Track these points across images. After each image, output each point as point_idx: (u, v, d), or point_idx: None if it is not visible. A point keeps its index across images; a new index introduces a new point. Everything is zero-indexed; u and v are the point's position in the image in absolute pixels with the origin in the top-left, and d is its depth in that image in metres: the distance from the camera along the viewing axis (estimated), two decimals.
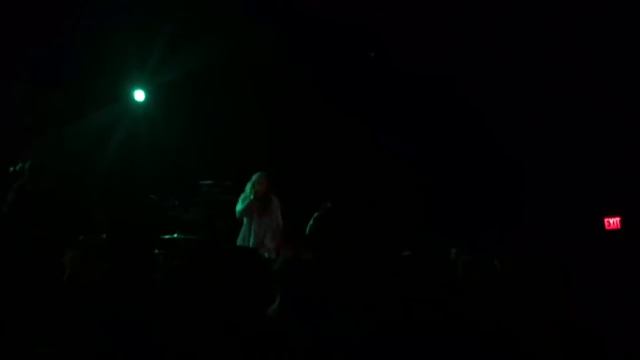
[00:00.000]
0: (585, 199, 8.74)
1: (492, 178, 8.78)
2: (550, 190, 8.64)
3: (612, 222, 9.10)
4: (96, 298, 2.85)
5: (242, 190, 6.43)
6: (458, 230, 7.57)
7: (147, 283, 2.98)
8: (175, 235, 7.06)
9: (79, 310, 2.74)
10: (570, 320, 2.56)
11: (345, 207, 7.18)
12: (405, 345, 2.34)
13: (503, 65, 8.49)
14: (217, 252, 2.82)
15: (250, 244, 6.28)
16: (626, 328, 2.78)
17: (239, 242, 6.39)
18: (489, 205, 8.67)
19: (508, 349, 2.41)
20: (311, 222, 7.20)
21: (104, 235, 4.55)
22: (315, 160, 8.89)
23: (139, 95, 8.82)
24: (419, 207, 8.55)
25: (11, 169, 6.36)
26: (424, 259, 3.01)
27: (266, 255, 6.04)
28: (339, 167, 8.90)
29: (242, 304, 2.52)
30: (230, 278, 2.61)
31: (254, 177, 6.34)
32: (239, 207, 6.41)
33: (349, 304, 2.79)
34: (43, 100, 8.24)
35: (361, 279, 3.33)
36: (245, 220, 6.45)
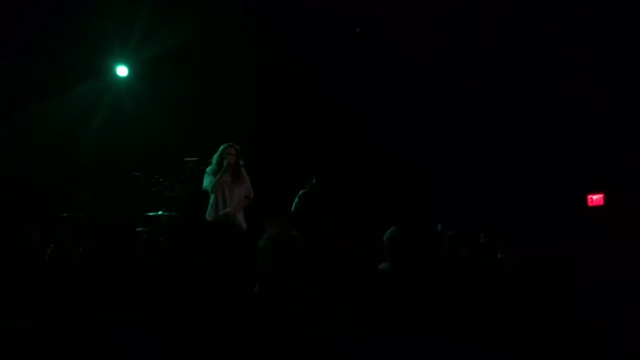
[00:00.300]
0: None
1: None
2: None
3: (595, 198, 9.19)
4: (79, 274, 2.82)
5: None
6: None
7: (130, 260, 2.95)
8: (160, 212, 7.03)
9: (61, 287, 2.71)
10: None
11: (330, 185, 7.18)
12: (395, 323, 2.34)
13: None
14: (201, 227, 2.77)
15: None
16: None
17: (208, 216, 6.12)
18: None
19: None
20: (296, 199, 7.21)
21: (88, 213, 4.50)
22: (301, 137, 8.82)
23: (122, 70, 8.68)
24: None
25: None
26: (411, 231, 2.98)
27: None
28: (326, 145, 8.84)
29: (229, 281, 2.49)
30: (215, 254, 2.57)
31: (221, 148, 6.07)
32: (209, 180, 6.10)
33: (334, 281, 2.78)
34: (26, 75, 8.08)
35: (348, 256, 3.32)
36: (213, 194, 6.15)
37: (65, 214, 5.98)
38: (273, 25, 8.33)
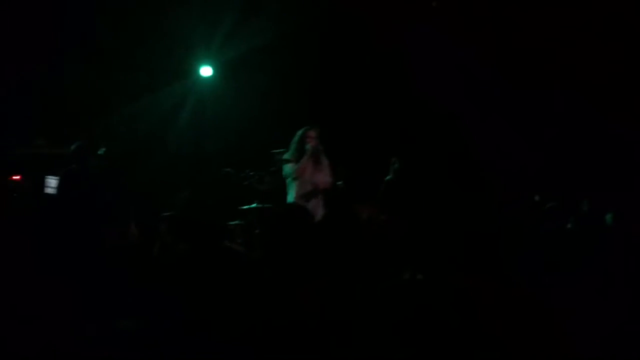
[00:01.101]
0: None
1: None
2: None
3: None
4: (182, 270, 2.94)
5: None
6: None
7: (228, 253, 3.06)
8: (254, 205, 7.22)
9: (164, 283, 2.85)
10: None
11: (414, 169, 7.00)
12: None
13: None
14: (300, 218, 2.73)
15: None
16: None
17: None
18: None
19: None
20: (382, 187, 7.14)
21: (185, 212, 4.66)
22: (386, 123, 8.74)
23: (206, 71, 8.97)
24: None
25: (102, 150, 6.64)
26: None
27: None
28: (409, 130, 8.70)
29: (327, 272, 2.50)
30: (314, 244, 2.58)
31: (300, 132, 5.76)
32: (289, 167, 5.73)
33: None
34: (118, 79, 8.56)
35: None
36: (292, 182, 5.77)
37: (166, 213, 6.27)
38: (352, 15, 8.28)
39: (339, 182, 7.48)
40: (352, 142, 7.98)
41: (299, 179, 5.70)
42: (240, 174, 7.51)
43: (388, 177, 7.20)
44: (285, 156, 5.85)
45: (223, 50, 8.72)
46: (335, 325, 2.12)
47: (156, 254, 5.41)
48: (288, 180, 5.80)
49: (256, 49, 8.41)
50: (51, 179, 6.34)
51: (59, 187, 5.54)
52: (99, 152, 6.58)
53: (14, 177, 6.66)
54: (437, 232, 2.71)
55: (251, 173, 7.46)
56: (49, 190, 6.32)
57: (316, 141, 5.72)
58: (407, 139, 8.43)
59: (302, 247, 2.34)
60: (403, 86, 8.73)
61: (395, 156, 7.25)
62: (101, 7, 7.44)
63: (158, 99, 8.77)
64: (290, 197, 5.77)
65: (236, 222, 7.31)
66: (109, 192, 5.40)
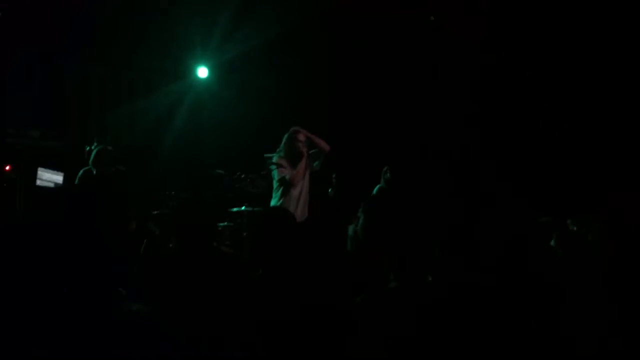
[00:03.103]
0: None
1: None
2: None
3: None
4: (170, 267, 2.97)
5: None
6: None
7: (217, 254, 3.09)
8: (244, 207, 7.25)
9: (154, 277, 2.88)
10: None
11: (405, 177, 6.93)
12: None
13: None
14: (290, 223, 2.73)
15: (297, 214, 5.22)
16: None
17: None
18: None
19: None
20: (374, 192, 7.05)
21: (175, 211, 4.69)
22: (382, 129, 8.72)
23: (202, 72, 9.01)
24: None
25: (87, 148, 6.69)
26: None
27: None
28: (406, 138, 8.67)
29: (317, 278, 2.52)
30: (305, 250, 2.60)
31: (287, 135, 5.53)
32: (280, 173, 5.43)
33: None
34: (115, 79, 8.60)
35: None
36: (281, 188, 5.51)
37: (155, 212, 6.29)
38: (353, 16, 8.26)
39: (329, 190, 7.52)
40: (345, 147, 7.95)
41: (291, 186, 5.49)
42: (232, 176, 7.54)
43: (379, 185, 7.16)
44: (274, 160, 5.64)
45: (220, 51, 8.74)
46: (322, 329, 2.16)
47: (142, 252, 5.43)
48: (276, 185, 5.63)
49: (253, 50, 8.41)
50: (43, 171, 6.35)
51: (78, 184, 5.62)
52: (92, 147, 6.62)
53: (5, 168, 6.66)
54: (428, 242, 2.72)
55: (242, 175, 7.49)
56: (39, 183, 6.32)
57: (305, 145, 5.54)
58: (403, 146, 8.39)
59: (288, 251, 2.37)
60: (401, 90, 8.70)
61: (388, 164, 7.22)
62: (99, 5, 7.45)
63: (154, 100, 8.80)
64: (276, 201, 5.57)
65: (225, 223, 7.34)
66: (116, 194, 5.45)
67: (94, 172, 5.53)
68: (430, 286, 2.38)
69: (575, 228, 5.03)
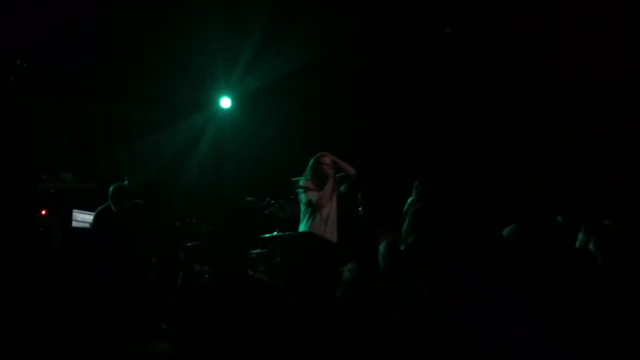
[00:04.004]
0: None
1: None
2: None
3: None
4: (207, 298, 3.00)
5: None
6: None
7: (252, 283, 3.11)
8: (275, 233, 7.29)
9: (191, 309, 2.91)
10: None
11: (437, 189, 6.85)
12: None
13: None
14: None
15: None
16: None
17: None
18: None
19: None
20: (405, 207, 6.96)
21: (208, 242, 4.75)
22: (406, 152, 8.69)
23: (225, 102, 9.14)
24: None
25: (125, 182, 6.81)
26: None
27: None
28: (431, 154, 8.60)
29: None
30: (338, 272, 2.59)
31: (313, 160, 5.62)
32: (307, 196, 5.50)
33: None
34: (139, 113, 8.78)
35: None
36: (309, 211, 5.57)
37: (189, 244, 6.37)
38: (369, 44, 8.33)
39: (359, 209, 7.52)
40: (371, 167, 7.93)
41: (318, 209, 5.53)
42: (261, 203, 7.60)
43: (412, 199, 7.04)
44: (300, 184, 5.69)
45: (242, 81, 8.87)
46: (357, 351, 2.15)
47: (179, 284, 5.50)
48: (303, 209, 5.67)
49: (275, 80, 8.51)
50: (78, 212, 6.49)
51: (94, 223, 5.70)
52: (123, 184, 6.74)
53: (41, 212, 6.81)
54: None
55: (272, 201, 7.55)
56: (75, 224, 6.45)
57: (331, 168, 5.61)
58: (432, 160, 8.32)
59: (322, 276, 2.37)
60: (421, 106, 8.68)
61: (419, 178, 7.14)
62: (117, 38, 7.61)
63: (178, 131, 8.95)
64: (305, 225, 5.62)
65: (258, 250, 7.38)
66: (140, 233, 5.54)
67: (113, 209, 5.59)
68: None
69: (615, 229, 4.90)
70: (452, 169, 8.11)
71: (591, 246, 3.35)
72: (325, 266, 2.42)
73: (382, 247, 3.83)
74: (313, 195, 5.53)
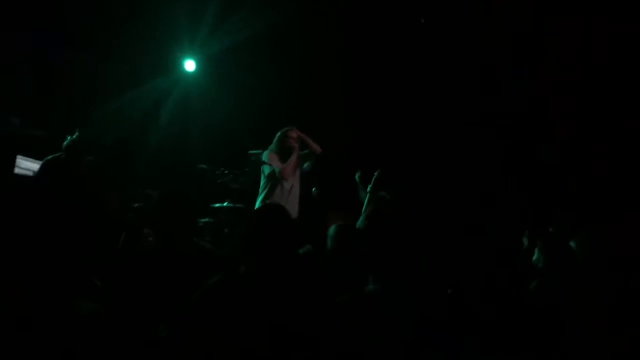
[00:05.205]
0: None
1: None
2: None
3: None
4: (148, 261, 2.92)
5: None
6: None
7: (197, 250, 3.04)
8: (225, 203, 7.20)
9: (131, 272, 2.83)
10: None
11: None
12: None
13: None
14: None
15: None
16: None
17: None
18: None
19: None
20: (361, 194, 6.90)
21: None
22: (369, 129, 8.61)
23: (190, 65, 8.91)
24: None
25: (69, 137, 6.59)
26: None
27: None
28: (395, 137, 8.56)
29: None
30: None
31: (280, 133, 5.64)
32: (270, 169, 5.52)
33: None
34: (101, 70, 8.48)
35: None
36: (269, 183, 5.60)
37: (137, 205, 6.22)
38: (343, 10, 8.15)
39: (314, 189, 7.48)
40: (330, 146, 7.88)
41: (280, 181, 5.54)
42: (215, 172, 7.50)
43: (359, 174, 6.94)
44: (264, 157, 5.68)
45: (208, 43, 8.64)
46: (304, 328, 2.12)
47: (121, 245, 5.37)
48: (264, 181, 5.67)
49: (242, 43, 8.28)
50: (22, 159, 6.24)
51: (41, 171, 5.47)
52: (73, 137, 6.51)
53: None
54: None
55: (226, 171, 7.46)
56: (18, 171, 6.21)
57: (297, 143, 5.62)
58: (392, 146, 8.27)
59: (281, 248, 2.31)
60: (388, 87, 8.60)
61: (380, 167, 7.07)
62: None
63: (140, 93, 8.69)
64: (265, 196, 5.59)
65: (206, 219, 7.29)
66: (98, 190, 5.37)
67: (64, 159, 5.38)
68: (408, 291, 2.36)
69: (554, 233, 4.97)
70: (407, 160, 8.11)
71: (536, 252, 3.40)
72: (286, 244, 2.36)
73: (332, 229, 3.81)
74: (277, 167, 5.51)
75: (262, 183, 5.70)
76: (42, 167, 5.47)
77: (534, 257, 3.14)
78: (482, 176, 7.86)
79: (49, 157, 5.54)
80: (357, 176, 6.35)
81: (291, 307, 2.10)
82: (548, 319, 2.55)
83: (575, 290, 2.86)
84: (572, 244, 3.74)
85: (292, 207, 5.53)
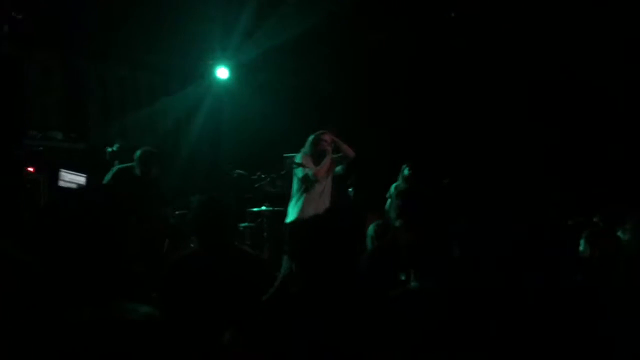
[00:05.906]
0: None
1: None
2: None
3: None
4: (191, 266, 2.96)
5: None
6: None
7: (239, 253, 3.08)
8: (263, 207, 7.26)
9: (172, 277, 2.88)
10: None
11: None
12: None
13: None
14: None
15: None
16: None
17: (296, 216, 5.49)
18: None
19: None
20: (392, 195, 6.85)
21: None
22: (403, 131, 8.57)
23: (222, 72, 8.99)
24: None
25: (109, 149, 6.73)
26: None
27: None
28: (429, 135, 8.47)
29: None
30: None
31: (313, 136, 5.62)
32: (309, 171, 5.47)
33: None
34: (133, 80, 8.65)
35: None
36: (304, 186, 5.56)
37: (177, 212, 6.32)
38: (377, 18, 8.15)
39: (349, 190, 7.48)
40: (365, 148, 7.84)
41: (313, 184, 5.52)
42: (252, 176, 7.56)
43: (396, 184, 6.99)
44: (297, 160, 5.69)
45: (240, 51, 8.71)
46: (342, 333, 2.12)
47: (165, 251, 5.46)
48: (297, 184, 5.65)
49: (273, 50, 8.33)
50: (65, 172, 6.40)
51: (113, 179, 5.61)
52: (114, 148, 6.66)
53: (28, 169, 6.72)
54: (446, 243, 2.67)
55: (262, 175, 7.52)
56: (61, 184, 6.37)
57: (330, 146, 5.61)
58: (422, 144, 8.22)
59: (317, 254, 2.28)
60: (422, 89, 8.56)
61: (408, 162, 7.05)
62: (115, 4, 7.46)
63: (174, 101, 8.82)
64: (298, 199, 5.61)
65: (246, 224, 7.36)
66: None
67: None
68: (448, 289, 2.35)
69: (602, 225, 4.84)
70: (443, 157, 8.04)
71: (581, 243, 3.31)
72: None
73: (370, 228, 3.81)
74: (310, 170, 5.51)
75: (294, 185, 5.72)
76: (114, 176, 5.60)
77: (580, 248, 3.06)
78: (524, 166, 7.79)
79: (121, 166, 5.69)
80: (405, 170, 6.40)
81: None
82: (595, 313, 2.50)
83: (623, 283, 2.79)
84: (619, 233, 3.67)
85: (324, 209, 5.49)
